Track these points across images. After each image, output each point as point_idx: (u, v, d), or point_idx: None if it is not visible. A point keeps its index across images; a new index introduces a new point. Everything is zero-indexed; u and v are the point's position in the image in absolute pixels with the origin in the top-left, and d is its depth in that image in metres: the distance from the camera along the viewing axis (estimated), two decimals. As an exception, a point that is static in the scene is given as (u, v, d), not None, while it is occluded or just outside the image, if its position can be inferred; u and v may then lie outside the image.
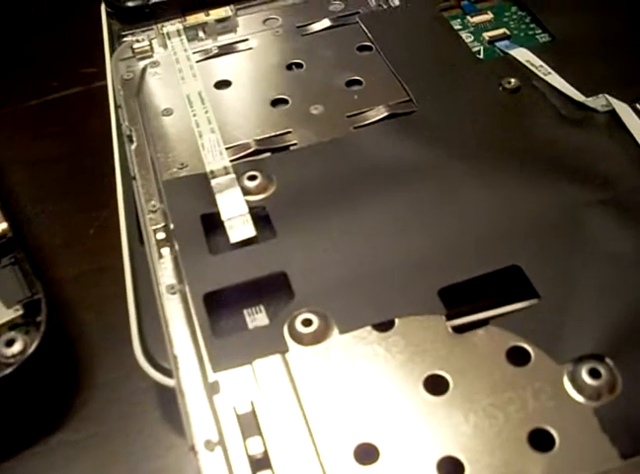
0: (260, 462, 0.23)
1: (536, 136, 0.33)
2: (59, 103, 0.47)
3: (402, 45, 0.38)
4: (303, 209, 0.30)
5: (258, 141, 0.34)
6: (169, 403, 0.25)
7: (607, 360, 0.24)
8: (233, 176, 0.31)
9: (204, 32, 0.41)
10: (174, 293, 0.28)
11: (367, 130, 0.34)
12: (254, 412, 0.24)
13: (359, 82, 0.36)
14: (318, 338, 0.26)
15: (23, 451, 0.30)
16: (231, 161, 0.32)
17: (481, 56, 0.38)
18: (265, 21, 0.42)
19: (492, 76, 0.36)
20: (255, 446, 0.23)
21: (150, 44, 0.39)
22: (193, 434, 0.24)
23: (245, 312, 0.28)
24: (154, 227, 0.30)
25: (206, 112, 0.35)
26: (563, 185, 0.30)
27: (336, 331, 0.26)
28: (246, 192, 0.31)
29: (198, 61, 0.39)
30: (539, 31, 0.39)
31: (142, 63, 0.39)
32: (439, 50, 0.38)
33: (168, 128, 0.35)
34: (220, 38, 0.40)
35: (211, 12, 0.41)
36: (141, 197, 0.32)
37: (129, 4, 0.42)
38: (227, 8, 0.41)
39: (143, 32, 0.41)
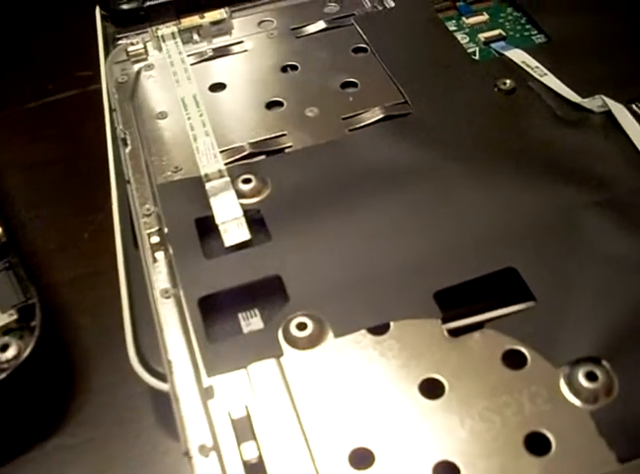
0: (254, 467, 0.23)
1: (532, 138, 0.33)
2: (55, 106, 0.47)
3: (397, 47, 0.38)
4: (298, 212, 0.30)
5: (252, 144, 0.33)
6: (165, 408, 0.25)
7: (604, 363, 0.24)
8: (228, 179, 0.31)
9: (199, 34, 0.41)
10: (168, 298, 0.28)
11: (363, 133, 0.34)
12: (248, 416, 0.24)
13: (354, 84, 0.36)
14: (313, 342, 0.26)
15: (18, 457, 0.30)
16: (226, 164, 0.32)
17: (476, 57, 0.38)
18: (260, 23, 0.42)
19: (487, 77, 0.36)
20: (249, 451, 0.23)
21: (145, 47, 0.39)
22: (187, 438, 0.24)
23: (240, 316, 0.28)
24: (148, 231, 0.30)
25: (201, 115, 0.35)
26: (559, 186, 0.30)
27: (331, 335, 0.26)
28: (240, 195, 0.31)
29: (192, 64, 0.38)
30: (535, 32, 0.39)
31: (137, 66, 0.39)
32: (434, 52, 0.38)
33: (162, 132, 0.35)
34: (215, 40, 0.40)
35: (206, 14, 0.41)
36: (136, 200, 0.31)
37: (124, 7, 0.42)
38: (222, 10, 0.41)
39: (138, 34, 0.41)
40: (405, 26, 0.40)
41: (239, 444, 0.24)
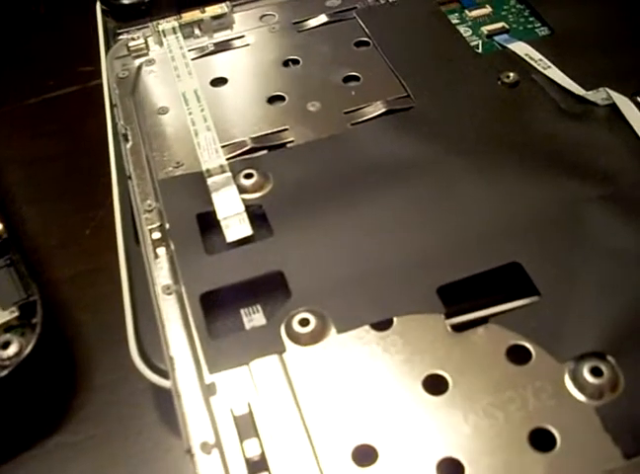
0: (257, 465, 0.23)
1: (536, 131, 0.32)
2: (56, 101, 0.47)
3: (400, 40, 0.38)
4: (300, 207, 0.30)
5: (254, 139, 0.33)
6: (167, 404, 0.25)
7: (609, 358, 0.24)
8: (229, 174, 0.31)
9: (200, 29, 0.40)
10: (170, 294, 0.28)
11: (365, 127, 0.33)
12: (251, 413, 0.24)
13: (356, 78, 0.36)
14: (315, 338, 0.26)
15: (20, 454, 0.30)
16: (227, 159, 0.32)
17: (479, 51, 0.38)
18: (261, 17, 0.41)
19: (491, 70, 0.35)
20: (252, 449, 0.23)
21: (146, 42, 0.39)
22: (189, 436, 0.23)
23: (242, 312, 0.28)
24: (150, 227, 0.30)
25: (202, 110, 0.35)
26: (563, 180, 0.30)
27: (333, 330, 0.26)
28: (242, 190, 0.31)
29: (193, 59, 0.38)
30: (538, 24, 0.39)
31: (138, 61, 0.38)
32: (436, 45, 0.38)
33: (164, 127, 0.34)
34: (216, 35, 0.40)
35: (207, 9, 0.40)
36: (137, 196, 0.31)
37: (125, 1, 0.42)
38: (223, 5, 0.41)
39: (139, 29, 0.41)
40: (407, 19, 0.39)
41: (241, 442, 0.23)
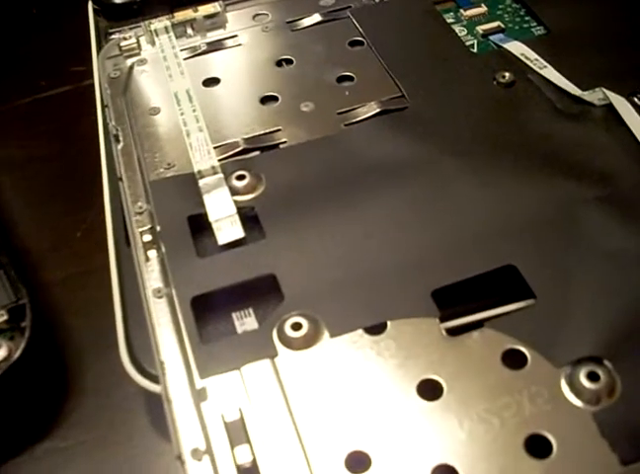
0: (248, 471, 0.23)
1: (532, 131, 0.32)
2: (48, 102, 0.46)
3: (394, 40, 0.37)
4: (293, 209, 0.30)
5: (247, 140, 0.33)
6: (159, 409, 0.25)
7: (606, 363, 0.24)
8: (221, 176, 0.31)
9: (193, 28, 0.40)
10: (161, 297, 0.27)
11: (359, 127, 0.33)
12: (242, 419, 0.24)
13: (350, 78, 0.36)
14: (308, 342, 0.25)
15: (8, 461, 0.30)
16: (220, 160, 0.32)
17: (475, 50, 0.38)
18: (254, 16, 0.41)
19: (486, 70, 0.35)
20: (243, 455, 0.23)
21: (138, 42, 0.38)
22: (179, 442, 0.23)
23: (234, 316, 0.28)
24: (141, 229, 0.30)
25: (194, 110, 0.34)
26: (559, 180, 0.30)
27: (326, 335, 0.25)
28: (234, 191, 0.30)
29: (186, 58, 0.38)
30: (534, 23, 0.39)
31: (130, 61, 0.38)
32: (431, 45, 0.37)
33: (155, 128, 0.34)
34: (209, 34, 0.40)
35: (200, 8, 0.40)
36: (128, 198, 0.31)
37: (117, 1, 0.41)
38: (216, 4, 0.40)
39: (131, 29, 0.40)
40: (402, 18, 0.39)
41: (233, 448, 0.23)
